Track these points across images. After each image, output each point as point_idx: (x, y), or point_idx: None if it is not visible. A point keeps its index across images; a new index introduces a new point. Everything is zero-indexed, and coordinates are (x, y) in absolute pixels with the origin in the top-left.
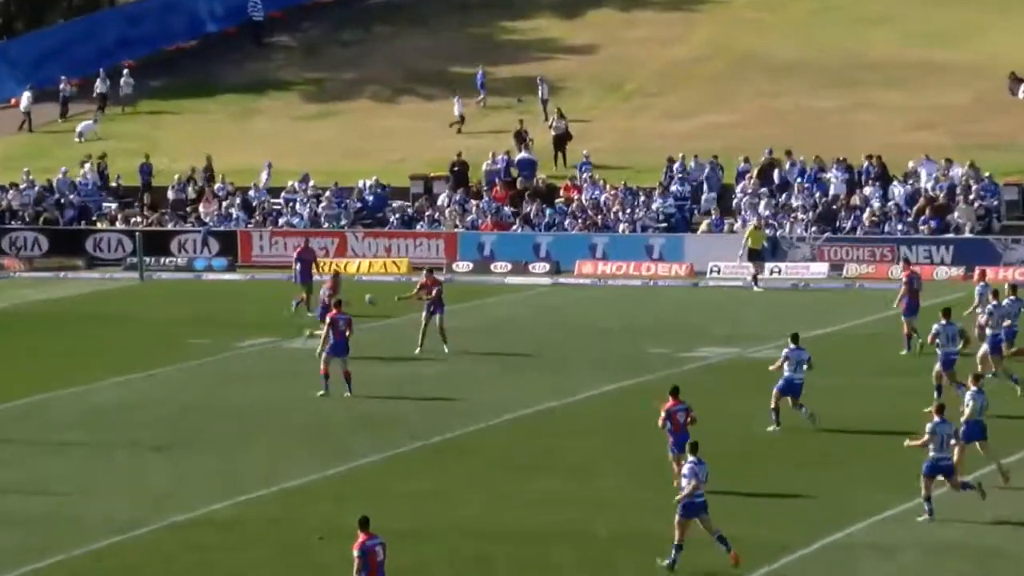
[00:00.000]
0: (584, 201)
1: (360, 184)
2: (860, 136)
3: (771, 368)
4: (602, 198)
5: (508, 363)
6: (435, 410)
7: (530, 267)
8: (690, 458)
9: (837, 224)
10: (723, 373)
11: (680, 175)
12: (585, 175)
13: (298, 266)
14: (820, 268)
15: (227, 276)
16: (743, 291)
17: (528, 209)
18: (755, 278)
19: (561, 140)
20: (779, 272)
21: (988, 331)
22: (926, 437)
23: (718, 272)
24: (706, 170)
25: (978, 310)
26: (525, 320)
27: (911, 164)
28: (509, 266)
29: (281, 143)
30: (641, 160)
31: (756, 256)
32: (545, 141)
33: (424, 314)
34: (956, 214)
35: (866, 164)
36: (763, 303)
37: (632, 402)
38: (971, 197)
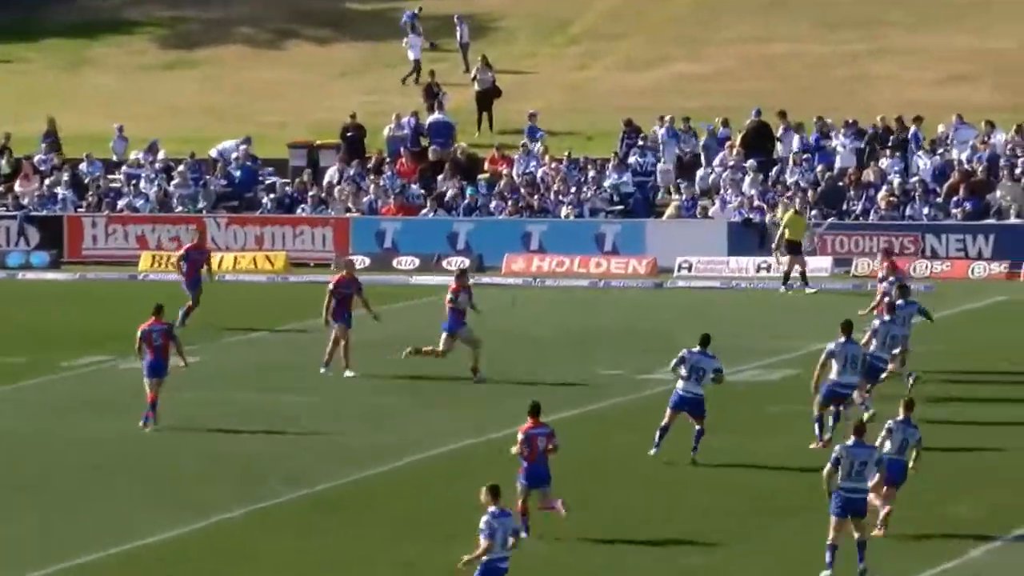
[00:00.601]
0: (516, 177)
1: (223, 153)
2: (876, 92)
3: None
4: (539, 173)
5: (415, 388)
6: (318, 450)
7: (445, 262)
8: (491, 508)
9: (845, 207)
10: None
11: (642, 143)
12: (535, 144)
13: (184, 266)
14: (822, 263)
15: (50, 275)
16: (720, 293)
17: (443, 187)
18: (803, 276)
19: (487, 97)
20: (767, 269)
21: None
22: (828, 467)
23: (689, 269)
24: (704, 137)
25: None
26: (438, 331)
27: (941, 128)
28: (417, 261)
29: (123, 101)
30: (590, 123)
31: (796, 250)
32: (465, 99)
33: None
34: (999, 193)
35: (883, 128)
36: (747, 309)
37: (577, 439)
38: (1018, 171)
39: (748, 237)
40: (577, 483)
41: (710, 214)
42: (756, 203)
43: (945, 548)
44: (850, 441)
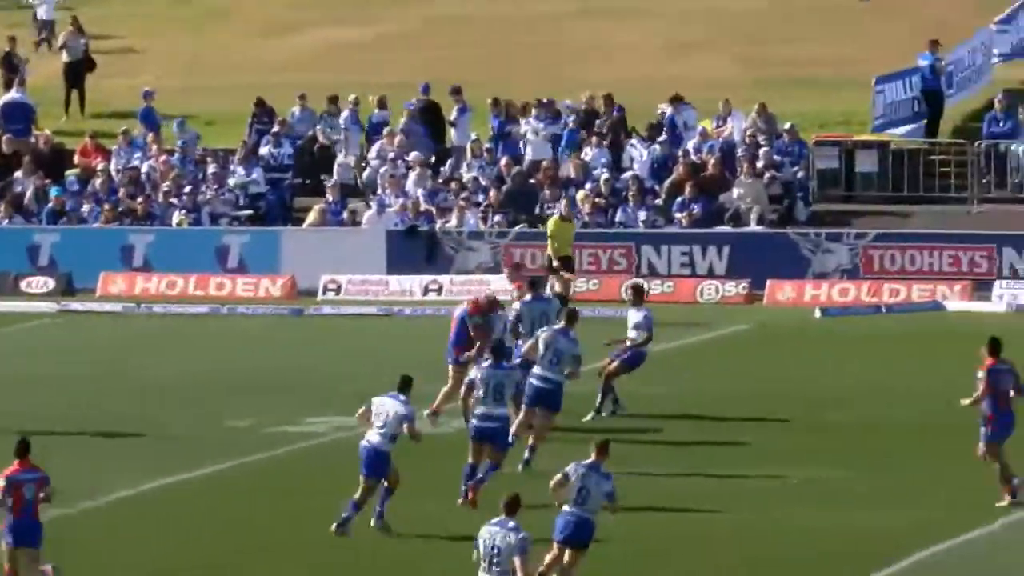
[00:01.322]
0: (114, 173)
1: None
2: (581, 64)
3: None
4: (144, 167)
5: None
6: None
7: (23, 283)
8: None
9: (537, 210)
10: (343, 458)
11: (278, 129)
12: (183, 138)
13: None
14: (507, 282)
15: None
16: (377, 321)
17: (19, 187)
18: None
19: (77, 71)
20: (438, 291)
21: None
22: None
23: (337, 291)
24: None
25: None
26: (12, 374)
27: (661, 108)
28: None
29: None
30: (210, 104)
31: (568, 266)
32: (50, 73)
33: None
34: (736, 193)
35: (586, 110)
36: (413, 342)
37: (196, 506)
38: (760, 164)
39: (413, 250)
40: (190, 564)
41: (364, 221)
42: (424, 206)
43: None
44: (500, 519)
